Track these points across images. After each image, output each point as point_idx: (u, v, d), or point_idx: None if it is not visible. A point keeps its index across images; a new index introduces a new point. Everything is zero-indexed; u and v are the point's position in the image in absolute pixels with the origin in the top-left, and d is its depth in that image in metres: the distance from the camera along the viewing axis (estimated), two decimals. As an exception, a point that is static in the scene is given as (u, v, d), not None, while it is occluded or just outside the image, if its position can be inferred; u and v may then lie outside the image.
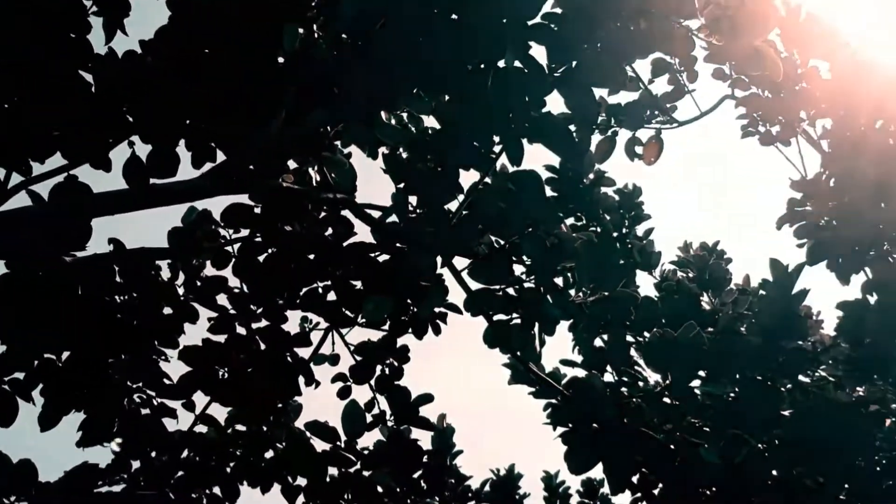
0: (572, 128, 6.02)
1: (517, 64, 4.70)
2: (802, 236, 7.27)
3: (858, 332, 6.62)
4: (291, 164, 5.94)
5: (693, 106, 7.54)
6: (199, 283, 6.15)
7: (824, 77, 7.36)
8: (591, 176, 7.76)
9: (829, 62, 7.30)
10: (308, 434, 6.51)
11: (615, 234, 8.09)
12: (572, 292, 5.99)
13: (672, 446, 5.87)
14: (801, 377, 6.79)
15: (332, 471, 6.56)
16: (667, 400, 6.22)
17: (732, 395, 6.46)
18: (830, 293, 13.65)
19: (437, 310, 6.14)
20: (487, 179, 5.50)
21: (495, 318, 5.56)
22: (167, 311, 6.10)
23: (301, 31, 5.15)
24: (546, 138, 4.97)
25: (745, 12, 4.91)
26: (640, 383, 6.45)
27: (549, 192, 7.69)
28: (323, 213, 6.05)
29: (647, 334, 6.76)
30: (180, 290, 6.16)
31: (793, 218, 7.31)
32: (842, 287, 7.15)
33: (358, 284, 6.08)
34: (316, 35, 5.28)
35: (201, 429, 6.54)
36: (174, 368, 6.12)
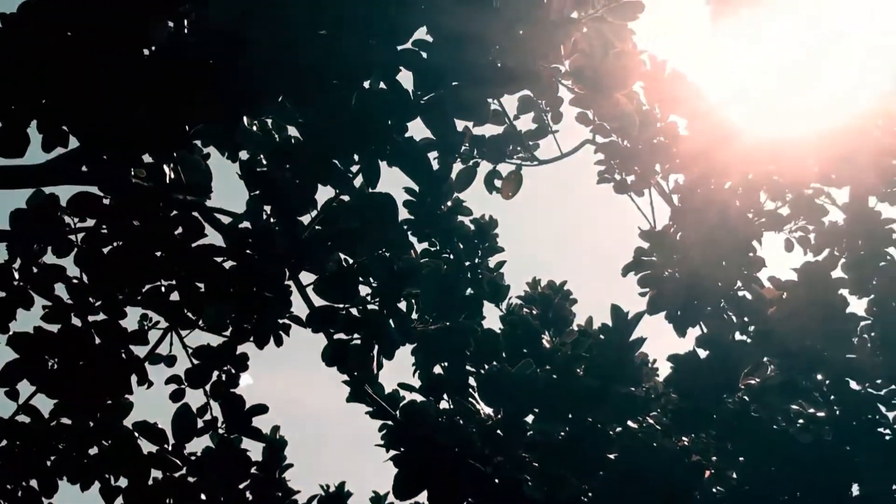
0: (434, 154, 6.09)
1: (383, 86, 4.71)
2: (645, 285, 7.46)
3: (687, 384, 6.82)
4: (147, 159, 5.81)
5: (556, 145, 7.71)
6: (35, 270, 5.96)
7: (682, 133, 7.59)
8: (450, 203, 7.82)
9: (687, 120, 7.53)
10: (136, 434, 6.39)
11: (467, 264, 8.15)
12: (415, 317, 6.04)
13: (497, 480, 5.94)
14: (631, 422, 6.96)
15: (157, 474, 6.44)
16: (500, 433, 6.31)
17: (563, 434, 6.59)
18: (676, 342, 13.99)
19: (281, 321, 6.09)
20: (344, 197, 5.49)
21: (336, 336, 5.55)
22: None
23: (171, 24, 5.05)
24: (404, 163, 4.98)
25: (609, 64, 5.02)
26: (477, 414, 6.53)
27: (406, 214, 7.77)
28: (174, 212, 5.93)
29: (487, 366, 6.85)
30: (16, 275, 5.97)
31: (638, 267, 7.49)
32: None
33: (203, 287, 5.99)
34: (186, 31, 5.18)
35: (23, 419, 6.34)
36: (1, 355, 5.94)
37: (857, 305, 7.89)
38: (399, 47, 4.66)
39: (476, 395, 6.50)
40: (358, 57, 4.56)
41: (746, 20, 7.23)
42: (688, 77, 7.41)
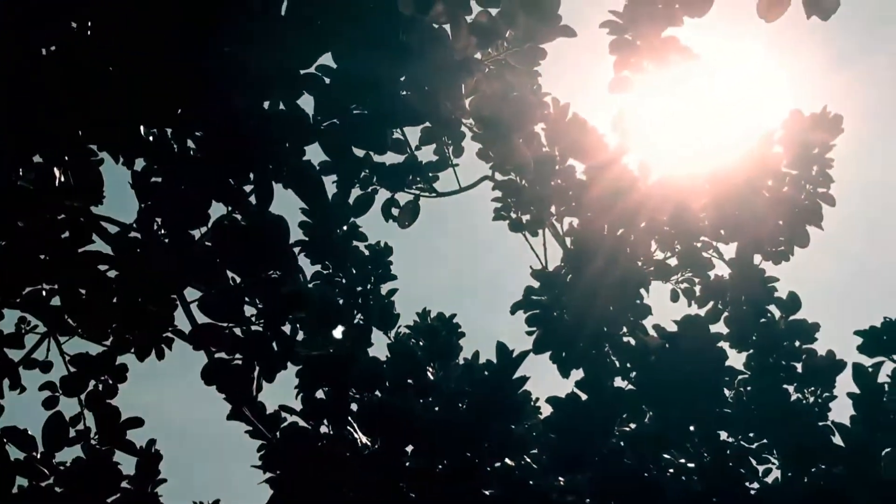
0: (334, 178, 6.08)
1: (282, 107, 4.70)
2: (533, 325, 7.55)
3: (565, 426, 6.88)
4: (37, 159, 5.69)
5: (456, 179, 7.76)
6: None
7: (580, 178, 7.72)
8: (346, 228, 7.81)
9: (585, 165, 7.67)
10: (3, 439, 6.22)
11: (359, 289, 8.15)
12: (300, 339, 5.99)
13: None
14: (509, 460, 7.00)
15: (23, 481, 6.28)
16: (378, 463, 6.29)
17: (441, 467, 6.59)
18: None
19: (164, 334, 6.02)
20: (237, 215, 5.44)
21: (217, 354, 5.48)
22: None
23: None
24: (298, 186, 4.97)
25: (508, 107, 5.09)
26: (355, 443, 6.50)
27: (302, 235, 7.72)
28: (62, 216, 5.82)
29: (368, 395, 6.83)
30: None
31: (527, 305, 7.58)
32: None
33: (85, 294, 5.88)
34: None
35: None
36: None
37: (737, 359, 8.08)
38: (302, 71, 4.66)
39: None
40: (260, 78, 4.54)
41: (650, 73, 7.37)
42: (588, 123, 7.55)
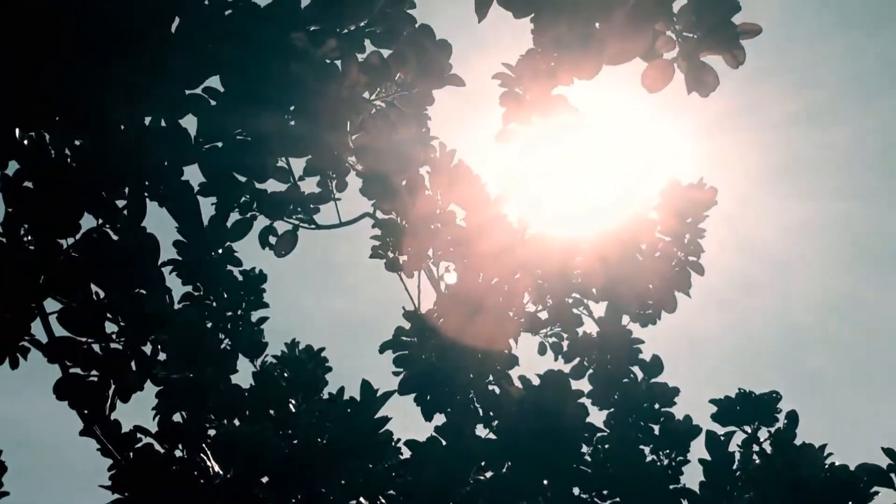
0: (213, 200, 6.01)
1: (164, 125, 4.64)
2: (400, 365, 7.55)
3: (421, 470, 6.89)
4: None
5: (336, 213, 7.73)
6: None
7: (459, 224, 7.78)
8: (221, 251, 7.71)
9: (466, 211, 7.74)
10: None
11: (229, 314, 8.04)
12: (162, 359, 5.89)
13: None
14: (364, 499, 6.97)
15: None
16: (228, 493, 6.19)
17: (294, 502, 6.53)
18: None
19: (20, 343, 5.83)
20: (108, 229, 5.33)
21: (72, 370, 5.34)
22: None
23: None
24: (173, 206, 4.91)
25: (392, 148, 5.11)
26: (208, 471, 6.40)
27: (175, 255, 7.60)
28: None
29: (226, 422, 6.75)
30: None
31: (396, 346, 7.58)
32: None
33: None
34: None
35: None
36: None
37: (598, 416, 8.20)
38: (188, 91, 4.61)
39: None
40: (144, 91, 4.47)
41: (538, 128, 7.50)
42: (473, 171, 7.64)
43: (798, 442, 6.78)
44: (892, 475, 5.84)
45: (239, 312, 8.18)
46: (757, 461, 6.97)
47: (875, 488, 6.04)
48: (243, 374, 7.94)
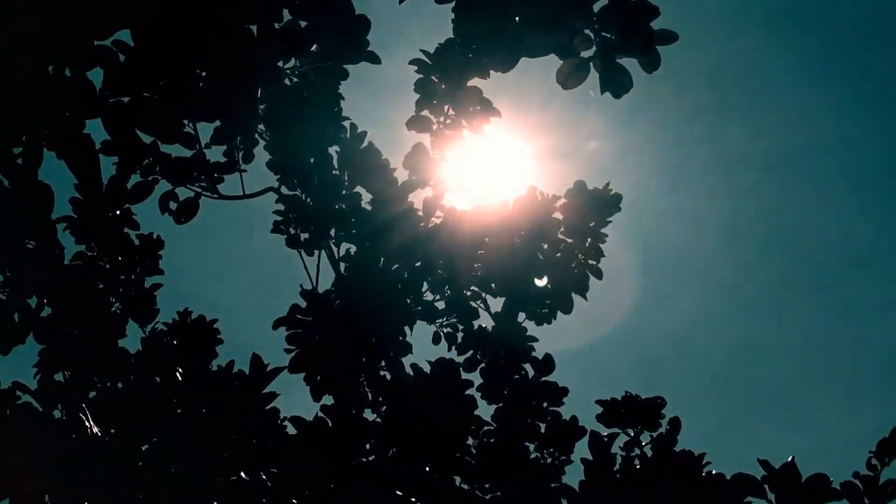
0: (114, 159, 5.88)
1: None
2: (293, 343, 7.49)
3: (304, 450, 6.83)
4: None
5: (241, 185, 7.64)
6: None
7: (364, 206, 7.75)
8: (119, 213, 7.54)
9: (372, 195, 7.71)
10: None
11: (122, 278, 7.87)
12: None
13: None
14: (243, 474, 6.90)
15: None
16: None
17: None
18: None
19: None
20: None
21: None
22: None
23: None
24: (72, 160, 4.79)
25: (304, 122, 5.06)
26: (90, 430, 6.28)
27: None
28: None
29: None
30: None
31: (290, 324, 7.51)
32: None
33: None
34: None
35: None
36: None
37: (487, 410, 8.23)
38: (97, 42, 4.50)
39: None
40: (49, 38, 4.35)
41: (450, 119, 7.52)
42: (383, 155, 7.62)
43: (678, 448, 6.90)
44: (766, 486, 5.97)
45: (133, 277, 8.01)
46: (638, 464, 7.06)
47: (748, 498, 6.18)
48: (132, 340, 7.77)
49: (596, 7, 4.61)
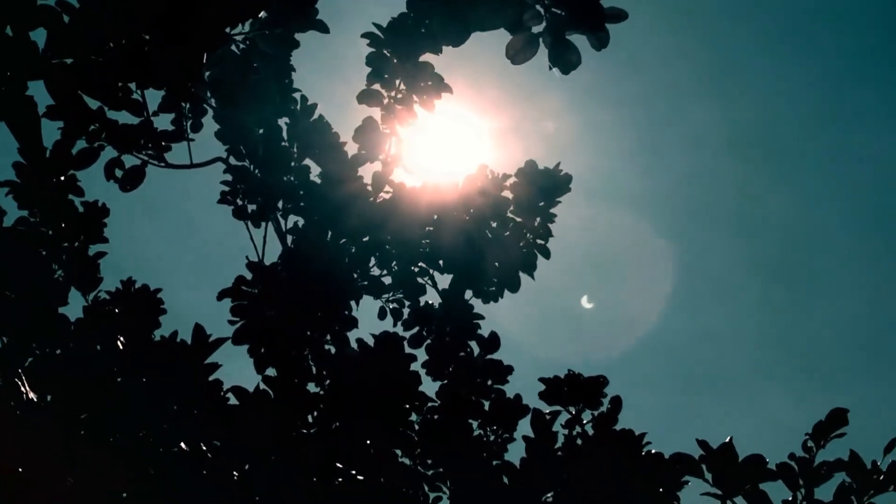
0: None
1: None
2: (237, 315, 7.44)
3: (245, 421, 6.82)
4: None
5: (188, 154, 7.57)
6: None
7: (313, 179, 7.71)
8: (63, 179, 7.45)
9: (321, 168, 7.67)
10: None
11: (65, 245, 7.79)
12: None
13: None
14: (183, 445, 6.87)
15: None
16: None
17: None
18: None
19: None
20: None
21: None
22: None
23: None
24: (14, 123, 4.71)
25: (251, 90, 5.01)
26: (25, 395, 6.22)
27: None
28: None
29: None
30: None
31: (235, 295, 7.47)
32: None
33: None
34: None
35: None
36: None
37: (431, 387, 8.24)
38: (40, 1, 4.42)
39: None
40: None
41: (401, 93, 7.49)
42: (333, 128, 7.58)
43: (618, 428, 6.96)
44: (703, 465, 6.03)
45: (76, 244, 7.93)
46: (579, 442, 7.11)
47: (686, 477, 6.25)
48: (74, 308, 7.69)
49: (546, -18, 4.60)
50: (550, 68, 4.65)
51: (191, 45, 4.59)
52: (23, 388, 5.73)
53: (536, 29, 4.73)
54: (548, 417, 6.99)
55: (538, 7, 4.64)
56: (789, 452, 6.04)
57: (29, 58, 4.53)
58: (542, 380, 7.26)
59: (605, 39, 4.66)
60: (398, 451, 7.23)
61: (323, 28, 5.04)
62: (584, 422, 7.03)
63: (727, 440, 5.99)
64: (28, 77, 4.63)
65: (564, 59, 4.64)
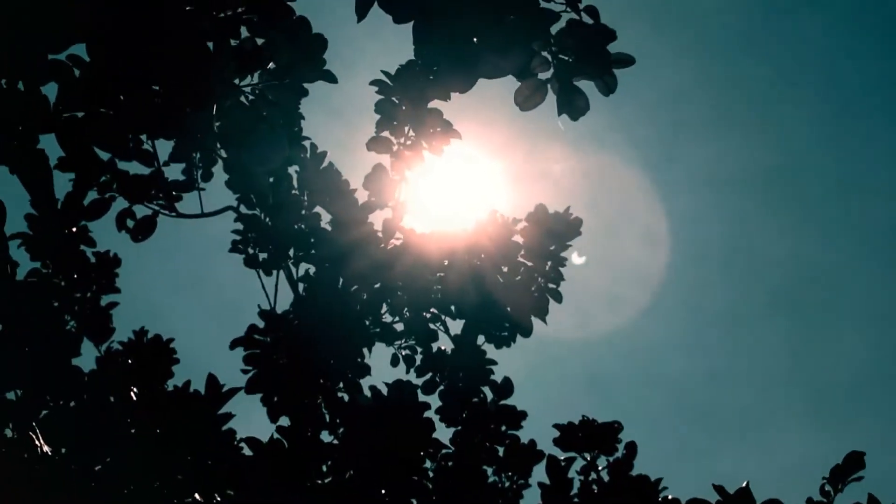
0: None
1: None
2: (249, 364, 7.44)
3: (259, 471, 6.79)
4: None
5: (199, 203, 7.58)
6: None
7: (324, 226, 7.73)
8: (75, 230, 7.49)
9: (332, 215, 7.70)
10: None
11: (77, 296, 7.82)
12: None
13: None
14: (197, 496, 6.84)
15: None
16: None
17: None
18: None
19: None
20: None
21: None
22: None
23: None
24: (25, 176, 4.75)
25: (258, 138, 5.04)
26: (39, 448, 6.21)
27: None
28: None
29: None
30: None
31: (248, 344, 7.46)
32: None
33: None
34: None
35: None
36: None
37: (445, 433, 8.20)
38: (51, 56, 4.47)
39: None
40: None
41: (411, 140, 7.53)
42: (343, 176, 7.62)
43: (635, 473, 6.91)
44: (721, 512, 5.97)
45: (88, 295, 7.95)
46: (595, 489, 7.06)
47: (703, 525, 6.18)
48: (87, 359, 7.69)
49: (553, 29, 4.62)
50: (560, 114, 4.67)
51: (200, 98, 4.63)
52: (37, 442, 5.72)
53: (544, 75, 4.75)
54: (563, 464, 6.95)
55: (546, 54, 4.67)
56: (807, 497, 5.99)
57: (40, 112, 4.57)
58: (556, 426, 7.23)
59: (613, 85, 4.67)
60: (413, 501, 7.18)
61: (331, 78, 5.08)
62: (600, 468, 7.00)
63: (744, 485, 5.93)
64: (40, 131, 4.68)
65: (573, 105, 4.65)
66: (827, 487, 5.97)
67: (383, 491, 6.83)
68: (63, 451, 5.79)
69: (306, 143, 7.41)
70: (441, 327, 8.34)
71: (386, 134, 7.45)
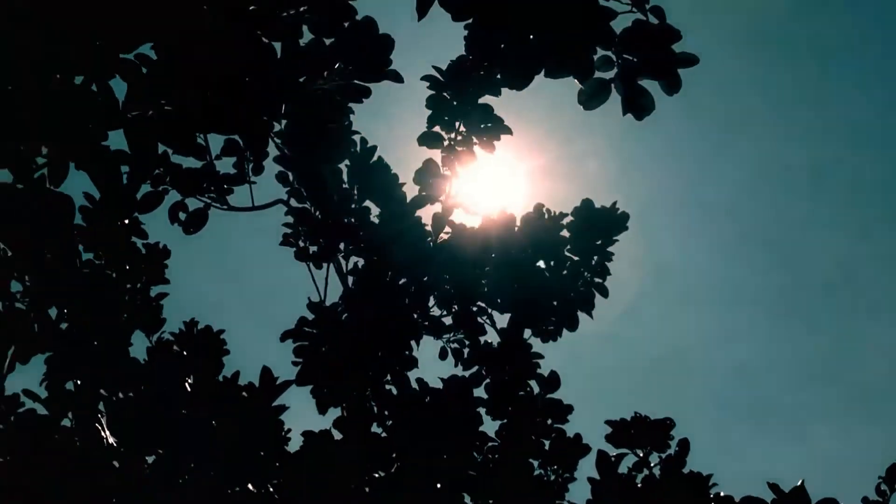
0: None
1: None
2: (299, 356, 7.49)
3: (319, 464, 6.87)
4: None
5: (251, 196, 7.63)
6: None
7: (373, 220, 7.77)
8: (128, 222, 7.54)
9: (381, 209, 7.74)
10: None
11: (128, 286, 7.87)
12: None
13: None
14: (251, 486, 6.91)
15: None
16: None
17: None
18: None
19: None
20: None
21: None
22: None
23: None
24: (92, 170, 4.82)
25: (321, 137, 5.08)
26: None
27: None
28: None
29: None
30: None
31: (298, 336, 7.52)
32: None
33: None
34: None
35: None
36: None
37: (491, 426, 8.22)
38: (122, 55, 4.52)
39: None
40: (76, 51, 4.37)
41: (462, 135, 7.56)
42: (392, 170, 7.66)
43: (686, 470, 6.91)
44: (775, 510, 5.98)
45: (138, 286, 8.01)
46: (639, 485, 7.07)
47: (758, 521, 6.18)
48: (138, 349, 7.76)
49: (618, 28, 4.64)
50: (624, 114, 4.68)
51: (268, 98, 4.68)
52: (103, 434, 5.80)
53: (607, 75, 4.76)
54: (613, 459, 6.97)
55: (610, 54, 4.68)
56: (862, 496, 5.99)
57: (110, 110, 4.63)
58: (608, 422, 7.25)
59: (677, 84, 4.68)
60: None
61: (397, 78, 5.11)
62: (652, 464, 7.01)
63: (799, 483, 5.94)
64: (109, 128, 4.73)
65: (638, 105, 4.67)
66: (883, 487, 5.96)
67: (434, 483, 6.89)
68: (129, 442, 5.85)
69: (356, 138, 7.44)
70: (488, 321, 8.37)
71: (437, 129, 7.48)
